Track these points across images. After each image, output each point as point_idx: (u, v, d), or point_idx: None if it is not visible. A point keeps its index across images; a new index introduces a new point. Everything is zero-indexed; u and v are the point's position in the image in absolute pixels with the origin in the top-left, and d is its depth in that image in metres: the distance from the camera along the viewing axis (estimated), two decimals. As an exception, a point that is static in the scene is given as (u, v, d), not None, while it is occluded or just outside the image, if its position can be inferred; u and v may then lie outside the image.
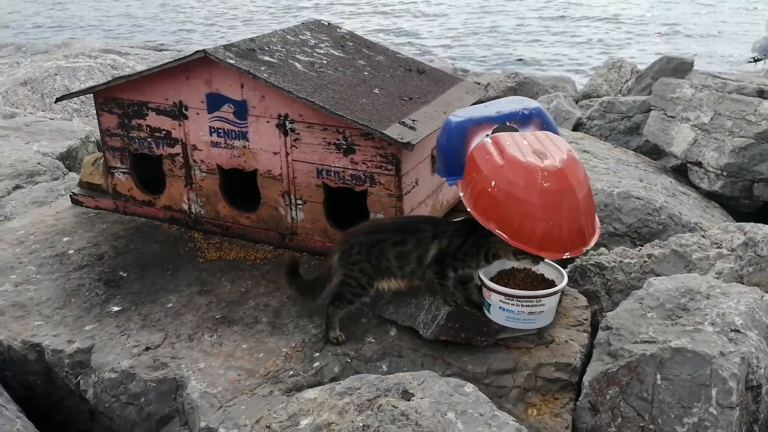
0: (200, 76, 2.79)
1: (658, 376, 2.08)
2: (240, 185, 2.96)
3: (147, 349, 2.33)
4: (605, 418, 2.11)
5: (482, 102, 2.55)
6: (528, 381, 2.22)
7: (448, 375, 2.21)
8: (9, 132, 5.18)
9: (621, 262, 2.97)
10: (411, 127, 2.52)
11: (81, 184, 3.38)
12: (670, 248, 2.91)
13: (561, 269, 2.25)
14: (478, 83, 3.39)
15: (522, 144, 1.99)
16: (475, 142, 2.15)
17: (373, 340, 2.31)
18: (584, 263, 3.04)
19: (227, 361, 2.23)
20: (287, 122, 2.69)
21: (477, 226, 2.15)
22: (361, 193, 2.67)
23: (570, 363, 2.26)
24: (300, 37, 3.01)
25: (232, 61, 2.61)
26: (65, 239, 3.03)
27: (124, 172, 3.16)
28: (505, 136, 2.03)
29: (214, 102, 2.81)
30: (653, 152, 4.72)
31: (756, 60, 6.76)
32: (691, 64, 5.99)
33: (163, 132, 2.97)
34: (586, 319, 2.51)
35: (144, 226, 3.12)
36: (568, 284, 3.06)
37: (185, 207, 3.06)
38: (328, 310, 2.29)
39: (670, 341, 2.12)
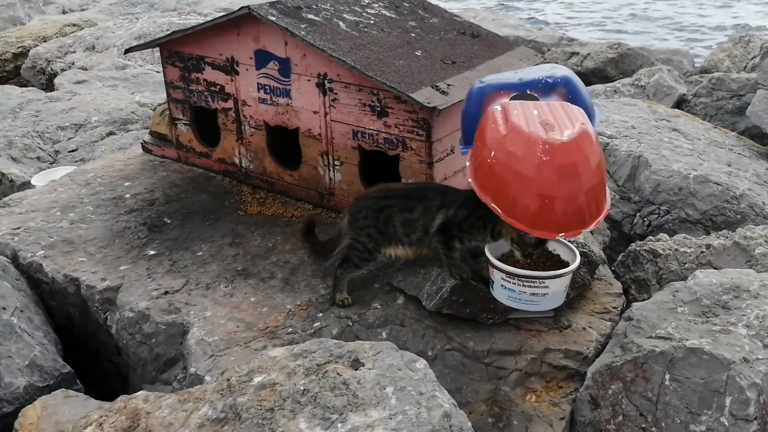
0: (249, 32, 2.81)
1: (667, 376, 1.91)
2: (288, 143, 2.98)
3: (166, 293, 2.41)
4: (605, 414, 1.97)
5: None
6: (532, 365, 2.11)
7: (447, 350, 2.15)
8: (118, 82, 5.49)
9: (677, 250, 2.74)
10: (443, 92, 2.42)
11: (151, 132, 3.53)
12: (733, 240, 2.65)
13: (576, 251, 2.10)
14: (576, 53, 3.20)
15: (530, 113, 1.86)
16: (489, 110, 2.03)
17: (378, 306, 2.27)
18: (638, 249, 2.84)
19: (231, 312, 2.27)
20: (326, 81, 2.66)
21: None
22: (393, 158, 2.61)
23: (581, 351, 2.13)
24: (356, -5, 2.96)
25: (273, 18, 2.61)
26: (126, 184, 3.18)
27: (185, 124, 3.26)
28: (515, 104, 1.91)
29: (262, 58, 2.83)
30: (762, 136, 4.29)
31: None
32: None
33: (218, 86, 3.04)
34: (615, 308, 2.35)
35: (200, 177, 3.22)
36: (619, 269, 2.88)
37: (237, 161, 3.12)
38: (336, 272, 2.28)
39: (687, 340, 1.93)
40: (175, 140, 3.35)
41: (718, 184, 3.19)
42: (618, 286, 2.45)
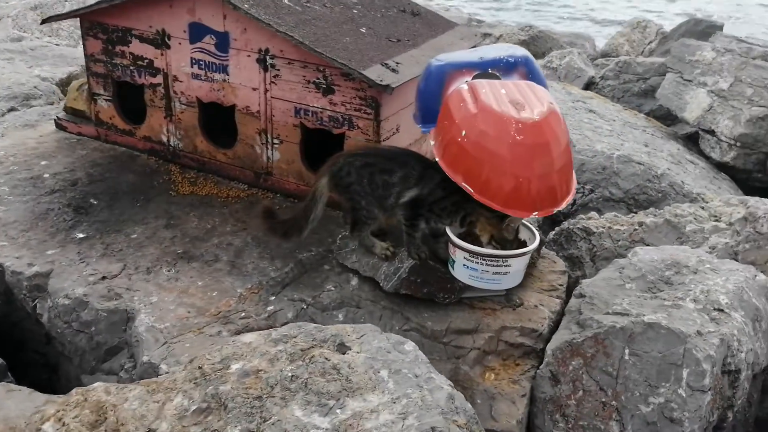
0: (184, 4, 2.67)
1: (627, 351, 1.97)
2: (219, 120, 2.86)
3: (103, 278, 2.27)
4: (566, 389, 2.02)
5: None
6: (489, 343, 2.12)
7: (405, 330, 2.13)
8: (14, 55, 5.09)
9: (610, 228, 2.84)
10: (393, 70, 2.39)
11: (66, 109, 3.30)
12: (664, 218, 2.77)
13: (535, 230, 2.13)
14: (489, 33, 3.23)
15: (499, 93, 1.85)
16: (453, 88, 2.02)
17: (332, 289, 2.23)
18: (571, 227, 2.91)
19: (180, 297, 2.16)
20: (268, 57, 2.56)
21: None
22: (338, 137, 2.56)
23: (536, 329, 2.16)
24: (293, -32, 2.86)
25: (212, -12, 2.48)
26: (43, 163, 2.96)
27: (107, 100, 3.07)
28: (482, 83, 1.90)
29: (197, 32, 2.69)
30: (666, 117, 4.51)
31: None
32: (721, 27, 5.70)
33: (146, 60, 2.87)
34: (561, 285, 2.40)
35: (123, 156, 3.05)
36: (551, 247, 2.95)
37: (164, 139, 2.97)
38: (356, 239, 2.20)
39: (644, 315, 2.00)
40: (94, 117, 3.14)
41: (641, 164, 3.32)
42: (561, 264, 2.50)
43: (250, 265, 2.32)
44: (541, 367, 2.06)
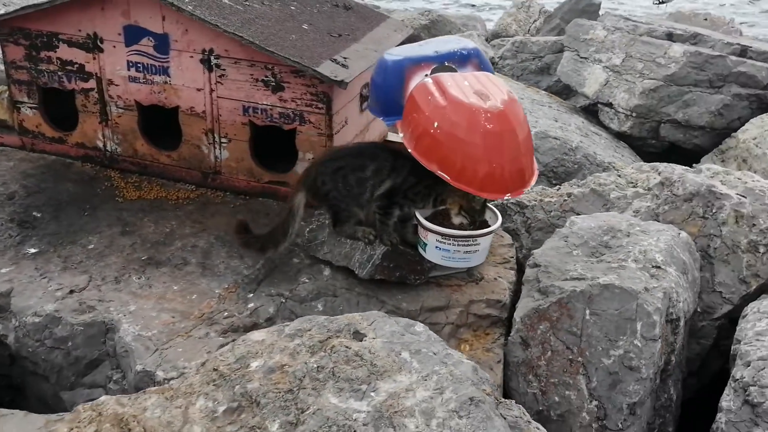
0: (117, 6, 2.62)
1: (587, 311, 2.18)
2: (158, 122, 2.84)
3: (71, 292, 2.23)
4: (536, 352, 2.21)
5: (414, 41, 2.53)
6: (460, 317, 2.28)
7: (382, 312, 2.24)
8: None
9: (541, 200, 3.06)
10: (343, 65, 2.47)
11: (-19, 119, 3.14)
12: (589, 187, 3.02)
13: (495, 210, 2.30)
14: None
15: (463, 85, 1.99)
16: (413, 82, 2.14)
17: (307, 280, 2.31)
18: (504, 202, 3.12)
19: (159, 303, 2.17)
20: (212, 57, 2.58)
21: None
22: (289, 132, 2.62)
23: (500, 300, 2.34)
24: (222, -34, 2.86)
25: (152, -10, 2.46)
26: (-32, 178, 2.83)
27: (31, 107, 2.96)
28: (446, 77, 2.03)
29: (133, 34, 2.66)
30: (563, 92, 4.84)
31: (660, 2, 6.98)
32: (599, 5, 6.13)
33: (76, 65, 2.79)
34: (512, 257, 2.59)
35: (55, 164, 2.96)
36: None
37: (100, 144, 2.91)
38: (339, 233, 2.27)
39: (599, 278, 2.22)
40: (18, 126, 3.02)
41: (556, 139, 3.58)
42: (509, 238, 2.69)
43: (222, 265, 2.36)
44: (512, 333, 2.24)
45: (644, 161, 4.14)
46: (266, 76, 2.54)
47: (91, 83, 2.80)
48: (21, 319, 2.18)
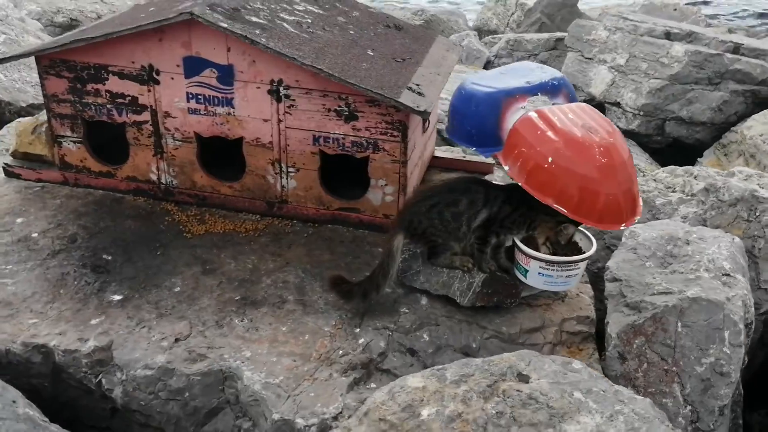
0: (177, 37, 2.56)
1: (679, 324, 2.30)
2: (211, 152, 2.80)
3: (177, 340, 2.20)
4: (632, 365, 2.31)
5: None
6: (555, 336, 2.36)
7: (486, 338, 2.30)
8: None
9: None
10: (419, 93, 2.50)
11: (15, 154, 3.02)
12: (633, 194, 3.13)
13: (590, 235, 2.37)
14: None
15: (569, 118, 2.05)
16: (510, 114, 2.18)
17: (407, 311, 2.34)
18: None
19: (274, 347, 2.17)
20: (281, 88, 2.55)
21: (526, 196, 2.22)
22: (361, 159, 2.63)
23: (588, 315, 2.43)
24: (271, -9, 2.82)
25: (224, 25, 2.42)
26: (18, 220, 2.73)
27: (75, 141, 2.86)
28: (550, 111, 2.09)
29: (194, 66, 2.60)
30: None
31: (627, -6, 7.17)
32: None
33: (128, 98, 2.72)
34: (584, 272, 2.68)
35: (105, 200, 2.88)
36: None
37: (153, 177, 2.85)
38: (443, 263, 2.32)
39: (685, 291, 2.34)
40: (59, 160, 2.92)
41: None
42: (574, 251, 2.78)
43: (320, 301, 2.36)
44: (609, 349, 2.33)
45: (650, 156, 4.31)
46: (339, 106, 2.54)
47: (145, 116, 2.73)
48: (129, 372, 2.14)
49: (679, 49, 4.21)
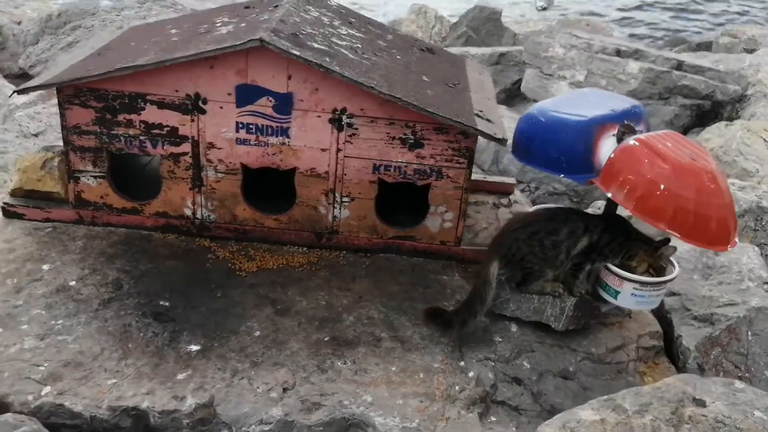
0: (231, 64, 2.40)
1: (749, 333, 2.45)
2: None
3: (285, 390, 2.06)
4: (710, 374, 2.44)
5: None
6: (635, 353, 2.44)
7: (580, 361, 2.34)
8: None
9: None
10: (488, 120, 2.49)
11: (17, 192, 2.70)
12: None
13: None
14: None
15: (669, 146, 2.14)
16: (603, 142, 2.24)
17: (500, 339, 2.33)
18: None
19: (393, 389, 2.08)
20: (344, 116, 2.46)
21: (623, 225, 2.28)
22: (422, 187, 2.59)
23: (657, 330, 2.53)
24: (310, 14, 2.71)
25: (296, 53, 2.29)
26: (45, 267, 2.44)
27: (96, 176, 2.60)
28: (653, 138, 2.16)
29: (249, 94, 2.45)
30: (506, 102, 5.11)
31: (543, 9, 7.51)
32: (500, 12, 6.48)
33: (166, 129, 2.51)
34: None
35: (131, 239, 2.64)
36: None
37: (188, 212, 2.64)
38: (534, 290, 2.33)
39: (748, 302, 2.50)
40: (74, 198, 2.64)
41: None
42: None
43: (416, 336, 2.29)
44: (689, 361, 2.44)
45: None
46: (405, 134, 2.48)
47: (185, 147, 2.54)
48: (241, 429, 1.97)
49: (633, 66, 4.48)
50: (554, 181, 3.80)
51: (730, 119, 4.63)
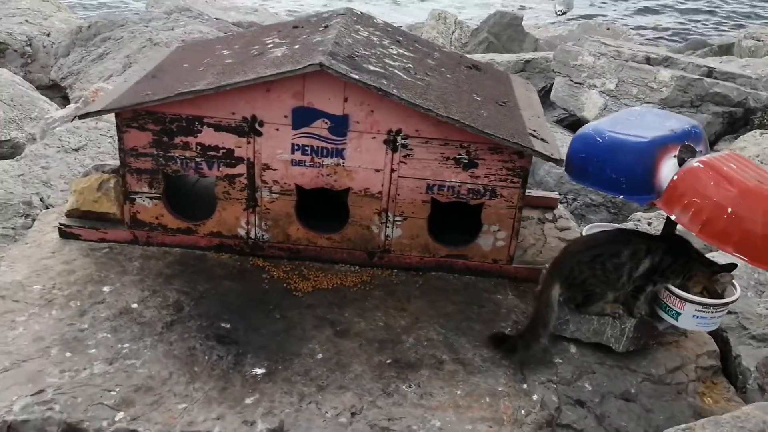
0: (287, 88, 2.41)
1: (805, 350, 2.46)
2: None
3: (353, 414, 2.08)
4: (769, 395, 2.45)
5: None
6: (694, 373, 2.44)
7: (641, 382, 2.35)
8: None
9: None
10: (543, 140, 2.50)
11: (72, 213, 2.72)
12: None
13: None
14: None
15: (734, 168, 2.14)
16: (664, 164, 2.24)
17: (560, 361, 2.34)
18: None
19: (460, 413, 2.09)
20: (398, 138, 2.47)
21: (685, 246, 2.29)
22: (475, 206, 2.60)
23: (715, 349, 2.53)
24: (360, 34, 2.72)
25: (356, 76, 2.31)
26: (106, 289, 2.46)
27: (152, 197, 2.62)
28: (717, 160, 2.16)
29: (305, 116, 2.46)
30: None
31: (562, 13, 7.51)
32: (521, 18, 6.49)
33: (222, 150, 2.53)
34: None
35: (186, 259, 2.66)
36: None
37: (241, 232, 2.66)
38: (594, 311, 2.34)
39: (803, 319, 2.51)
40: (129, 218, 2.66)
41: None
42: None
43: (477, 358, 2.31)
44: (749, 381, 2.45)
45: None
46: (459, 154, 2.49)
47: (240, 169, 2.55)
48: (312, 454, 1.99)
49: (665, 74, 4.48)
50: (592, 193, 3.80)
51: (762, 126, 4.63)
